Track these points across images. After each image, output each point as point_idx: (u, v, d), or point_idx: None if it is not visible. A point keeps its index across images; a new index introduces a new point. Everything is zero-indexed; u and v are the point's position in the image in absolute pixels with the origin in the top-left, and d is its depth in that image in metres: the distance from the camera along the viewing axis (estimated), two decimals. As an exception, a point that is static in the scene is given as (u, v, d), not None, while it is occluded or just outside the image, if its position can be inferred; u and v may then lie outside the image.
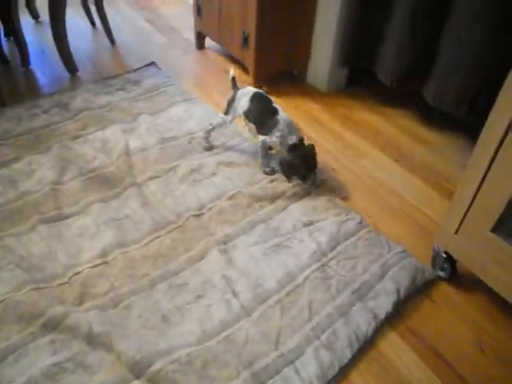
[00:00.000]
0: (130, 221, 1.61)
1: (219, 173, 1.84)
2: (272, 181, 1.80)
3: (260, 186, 1.77)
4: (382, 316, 1.34)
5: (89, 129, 2.06)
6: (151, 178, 1.79)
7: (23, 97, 2.27)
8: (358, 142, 2.11)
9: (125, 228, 1.58)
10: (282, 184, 1.79)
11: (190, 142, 2.00)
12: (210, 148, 1.96)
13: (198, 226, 1.60)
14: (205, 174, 1.83)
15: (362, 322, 1.32)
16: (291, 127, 1.73)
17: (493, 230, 1.26)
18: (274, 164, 1.85)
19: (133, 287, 1.39)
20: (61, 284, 1.39)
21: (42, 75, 2.49)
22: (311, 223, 1.63)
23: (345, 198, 1.78)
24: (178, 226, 1.59)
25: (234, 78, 1.92)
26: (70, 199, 1.69)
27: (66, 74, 2.48)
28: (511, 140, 1.13)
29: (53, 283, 1.39)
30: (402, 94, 2.36)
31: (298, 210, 1.69)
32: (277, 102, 1.83)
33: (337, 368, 1.21)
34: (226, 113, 1.88)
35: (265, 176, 1.83)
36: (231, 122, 1.91)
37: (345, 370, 1.22)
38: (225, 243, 1.55)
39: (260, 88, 1.91)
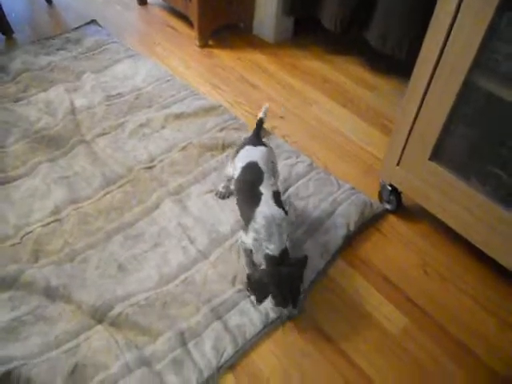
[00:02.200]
0: (81, 178, 1.59)
1: (168, 125, 1.83)
2: (222, 129, 1.81)
3: (210, 136, 1.78)
4: (333, 250, 1.41)
5: (31, 91, 1.98)
6: (99, 135, 1.77)
7: (-45, 61, 2.14)
8: (306, 90, 2.13)
9: (75, 185, 1.56)
10: (231, 132, 1.80)
11: (136, 98, 1.97)
12: (224, 195, 1.56)
13: (149, 179, 1.60)
14: (154, 128, 1.81)
15: (315, 256, 1.39)
16: (272, 229, 1.16)
17: (431, 158, 1.33)
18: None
19: (88, 241, 1.40)
20: (13, 244, 1.38)
21: (-26, 39, 2.35)
22: (263, 168, 1.65)
23: (295, 143, 1.82)
24: (130, 180, 1.59)
25: (261, 121, 1.47)
26: (15, 162, 1.64)
27: (0, 37, 2.35)
28: (442, 70, 1.19)
29: (4, 244, 1.38)
30: (349, 41, 2.39)
31: (250, 157, 1.70)
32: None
33: (292, 298, 1.27)
34: (232, 161, 1.43)
35: (214, 125, 1.83)
36: (233, 177, 1.39)
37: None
38: (178, 193, 1.56)
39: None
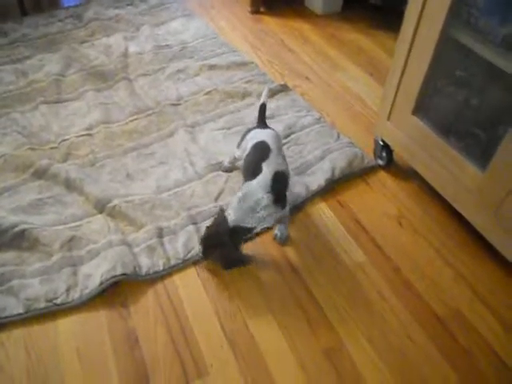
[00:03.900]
0: (116, 106, 1.87)
1: (202, 74, 2.05)
2: (247, 82, 1.99)
3: (235, 86, 1.97)
4: (313, 188, 1.54)
5: (96, 36, 2.31)
6: (141, 75, 2.04)
7: (43, 9, 2.53)
8: (339, 58, 2.24)
9: (111, 110, 1.84)
10: (254, 85, 1.98)
11: (181, 50, 2.21)
12: (228, 169, 1.60)
13: (173, 113, 1.84)
14: (189, 75, 2.05)
15: (297, 191, 1.53)
16: (244, 204, 1.22)
17: (413, 112, 1.42)
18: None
19: (108, 153, 1.66)
20: (51, 148, 1.68)
21: (62, -9, 2.74)
22: (272, 116, 1.82)
23: (310, 101, 1.95)
24: (156, 112, 1.84)
25: (263, 106, 1.49)
26: (69, 88, 1.96)
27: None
28: (423, 24, 1.27)
29: (45, 147, 1.69)
30: (395, 17, 2.44)
31: (265, 106, 1.88)
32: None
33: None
34: (238, 146, 1.49)
35: (241, 77, 2.02)
36: (237, 159, 1.51)
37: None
38: (193, 126, 1.78)
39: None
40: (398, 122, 1.49)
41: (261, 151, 1.31)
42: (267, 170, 1.26)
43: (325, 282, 1.32)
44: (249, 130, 1.45)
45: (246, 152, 1.36)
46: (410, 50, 1.35)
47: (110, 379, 1.11)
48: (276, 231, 1.41)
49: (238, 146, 1.47)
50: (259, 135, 1.38)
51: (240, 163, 1.45)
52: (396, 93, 1.45)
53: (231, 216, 1.21)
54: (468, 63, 1.30)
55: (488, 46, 1.17)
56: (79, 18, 2.44)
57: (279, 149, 1.36)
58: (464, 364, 1.15)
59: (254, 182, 1.24)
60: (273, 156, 1.30)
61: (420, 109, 1.40)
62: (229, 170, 1.60)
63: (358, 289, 1.31)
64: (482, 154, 1.27)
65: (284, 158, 1.38)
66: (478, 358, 1.16)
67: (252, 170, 1.28)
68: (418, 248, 1.42)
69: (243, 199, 1.22)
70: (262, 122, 1.48)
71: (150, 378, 1.11)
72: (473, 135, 1.34)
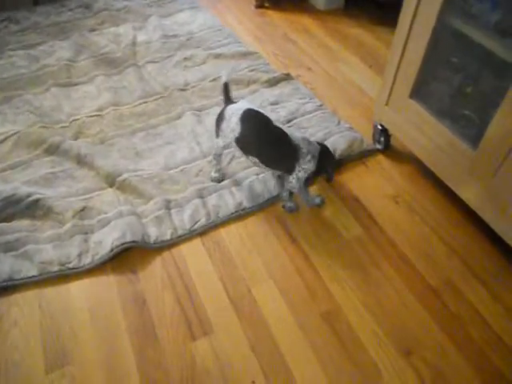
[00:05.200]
0: (126, 90, 1.94)
1: (208, 62, 2.13)
2: (252, 70, 2.06)
3: (240, 74, 2.04)
4: (314, 168, 1.61)
5: (105, 25, 2.38)
6: (149, 62, 2.11)
7: (55, -1, 2.62)
8: (340, 51, 2.32)
9: (120, 94, 1.91)
10: (258, 73, 2.05)
11: (188, 40, 2.29)
12: (220, 179, 1.55)
13: (180, 97, 1.91)
14: (195, 63, 2.12)
15: (299, 172, 1.60)
16: (308, 141, 1.38)
17: (410, 96, 1.49)
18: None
19: (118, 132, 1.73)
20: (63, 126, 1.75)
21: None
22: (276, 103, 1.89)
23: (313, 89, 2.02)
24: (163, 96, 1.91)
25: (226, 86, 1.47)
26: (80, 72, 2.04)
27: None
28: (420, 14, 1.34)
29: (57, 125, 1.76)
30: (395, 14, 2.52)
31: (268, 93, 1.95)
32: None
33: (266, 197, 1.50)
34: (217, 135, 1.44)
35: (246, 66, 2.10)
36: (224, 148, 1.46)
37: (273, 199, 1.51)
38: (199, 110, 1.85)
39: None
40: (396, 106, 1.56)
41: (259, 116, 1.36)
42: (282, 125, 1.37)
43: (323, 252, 1.39)
44: (222, 111, 1.40)
45: (238, 127, 1.34)
46: (408, 36, 1.42)
47: (119, 334, 1.18)
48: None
49: (217, 135, 1.43)
50: (238, 106, 1.38)
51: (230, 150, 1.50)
52: (394, 78, 1.52)
53: (312, 147, 1.37)
54: (462, 49, 1.37)
55: (481, 30, 1.25)
56: (89, 8, 2.51)
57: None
58: (454, 328, 1.22)
59: (298, 134, 1.38)
60: (269, 115, 1.39)
61: (417, 93, 1.47)
62: (219, 179, 1.55)
63: (355, 260, 1.37)
64: (475, 134, 1.34)
65: None
66: (467, 322, 1.23)
67: (274, 133, 1.35)
68: (414, 225, 1.49)
69: (308, 142, 1.37)
70: (229, 101, 1.45)
71: (158, 334, 1.18)
72: (466, 117, 1.41)
